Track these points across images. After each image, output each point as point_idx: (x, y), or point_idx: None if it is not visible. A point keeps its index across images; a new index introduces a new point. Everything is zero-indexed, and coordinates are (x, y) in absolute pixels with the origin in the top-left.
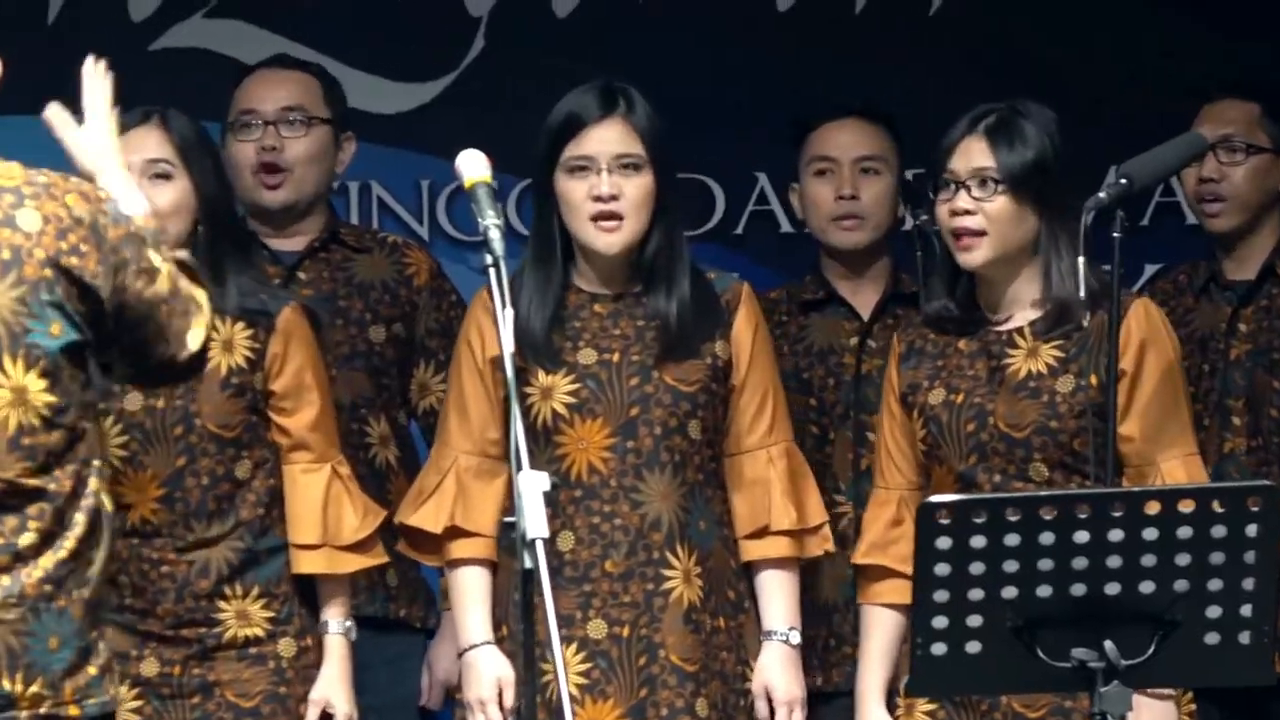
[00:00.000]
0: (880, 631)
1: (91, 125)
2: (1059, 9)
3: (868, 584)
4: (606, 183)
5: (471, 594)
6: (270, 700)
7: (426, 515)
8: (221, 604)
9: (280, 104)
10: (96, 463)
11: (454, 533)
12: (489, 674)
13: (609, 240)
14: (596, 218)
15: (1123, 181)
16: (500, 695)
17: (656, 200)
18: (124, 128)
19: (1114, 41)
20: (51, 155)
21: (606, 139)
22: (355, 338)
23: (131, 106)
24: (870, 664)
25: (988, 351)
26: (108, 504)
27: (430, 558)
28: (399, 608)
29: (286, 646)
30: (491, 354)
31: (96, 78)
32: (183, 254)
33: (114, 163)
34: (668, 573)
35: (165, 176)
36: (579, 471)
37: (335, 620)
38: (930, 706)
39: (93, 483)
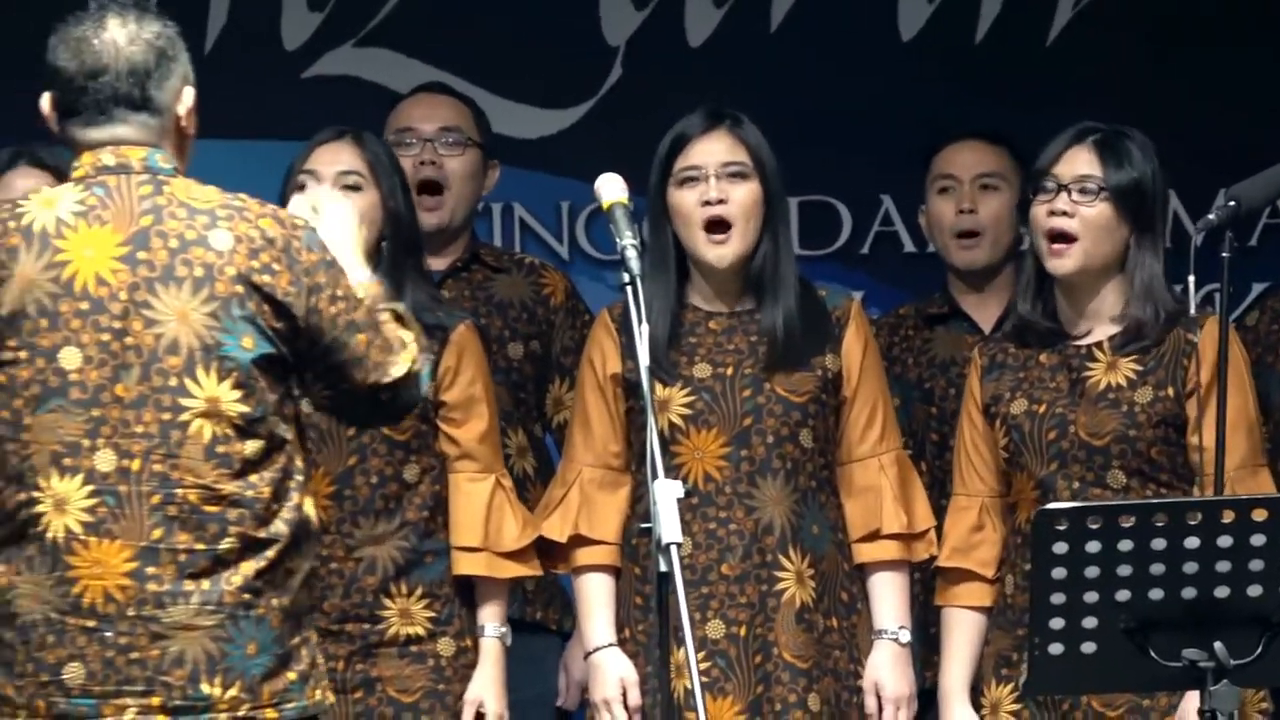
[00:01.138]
0: (962, 631)
1: (331, 219)
2: (1171, 40)
3: (949, 586)
4: (715, 188)
5: (596, 598)
6: (430, 696)
7: (553, 525)
8: (386, 601)
9: (439, 124)
10: (299, 476)
11: (579, 541)
12: (613, 674)
13: (720, 253)
14: (707, 225)
15: (1231, 204)
16: (625, 695)
17: (764, 211)
18: (318, 144)
19: (1226, 72)
20: (211, 178)
21: (713, 149)
22: (494, 354)
23: (283, 131)
24: (953, 663)
25: (1068, 365)
26: (313, 517)
27: (558, 565)
28: (535, 610)
29: (446, 646)
30: (612, 371)
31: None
32: (400, 306)
33: (348, 255)
34: (780, 574)
35: (355, 188)
36: (695, 479)
37: (491, 624)
38: (1015, 706)
39: (295, 495)
